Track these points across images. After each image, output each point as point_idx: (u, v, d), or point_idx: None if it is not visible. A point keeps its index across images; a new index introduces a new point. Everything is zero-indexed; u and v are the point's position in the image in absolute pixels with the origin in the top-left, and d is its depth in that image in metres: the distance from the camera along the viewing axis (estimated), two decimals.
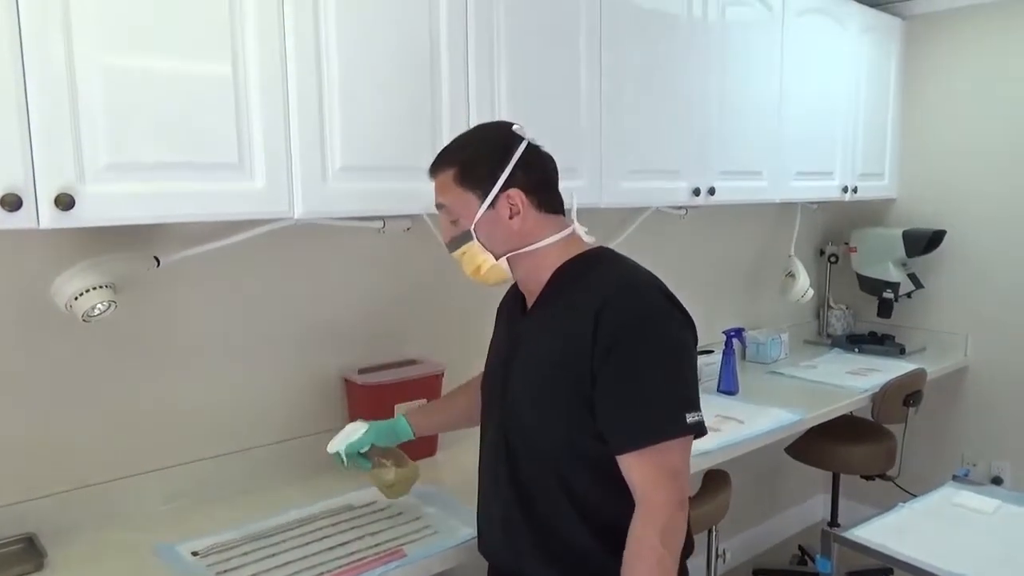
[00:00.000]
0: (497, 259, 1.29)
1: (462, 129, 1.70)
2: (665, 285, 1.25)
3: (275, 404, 1.87)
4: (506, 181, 1.25)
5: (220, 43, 1.36)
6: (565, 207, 1.34)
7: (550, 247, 1.29)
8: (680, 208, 2.63)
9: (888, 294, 3.17)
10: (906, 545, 1.66)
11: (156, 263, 1.59)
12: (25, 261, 1.49)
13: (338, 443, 1.57)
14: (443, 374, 2.01)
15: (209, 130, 1.37)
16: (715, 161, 2.37)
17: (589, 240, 1.33)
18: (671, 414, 1.16)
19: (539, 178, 1.29)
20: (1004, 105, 2.98)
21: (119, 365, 1.63)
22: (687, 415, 1.16)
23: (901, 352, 3.13)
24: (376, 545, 1.50)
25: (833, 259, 3.44)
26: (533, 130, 1.32)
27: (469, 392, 1.61)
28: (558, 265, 1.29)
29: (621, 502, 1.19)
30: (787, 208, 3.13)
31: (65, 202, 1.21)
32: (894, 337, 3.25)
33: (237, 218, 1.49)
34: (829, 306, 3.48)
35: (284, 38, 1.43)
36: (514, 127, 1.30)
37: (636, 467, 1.17)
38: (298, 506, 1.68)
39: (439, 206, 1.32)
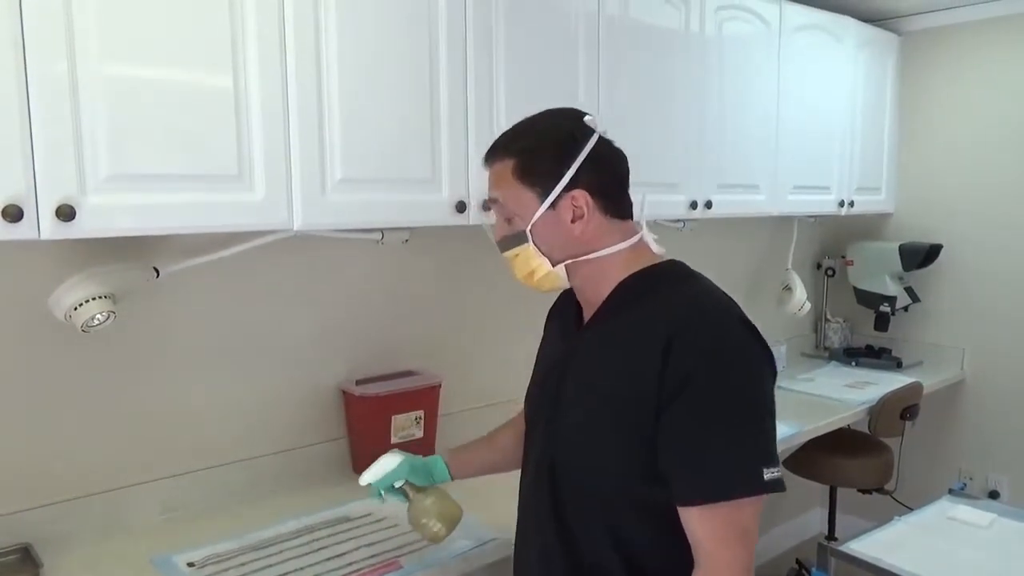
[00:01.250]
0: (554, 266, 1.14)
1: (461, 141, 1.73)
2: (743, 312, 1.09)
3: (273, 415, 1.87)
4: (571, 180, 1.10)
5: (221, 55, 1.38)
6: (634, 212, 1.19)
7: (614, 256, 1.14)
8: (678, 221, 2.64)
9: (885, 308, 3.18)
10: (902, 559, 1.66)
11: (156, 274, 1.59)
12: (25, 271, 1.50)
13: (370, 475, 1.43)
14: (440, 385, 2.01)
15: (209, 142, 1.38)
16: (713, 175, 2.38)
17: (659, 251, 1.18)
18: (749, 469, 1.00)
19: (609, 178, 1.14)
20: (1000, 120, 3.00)
21: (117, 375, 1.64)
22: (765, 470, 1.00)
23: (898, 366, 3.14)
24: (373, 556, 1.50)
25: (830, 272, 3.45)
26: None
27: (516, 429, 1.42)
28: (623, 277, 1.14)
29: (675, 554, 1.05)
30: (784, 222, 3.14)
31: (66, 213, 1.22)
32: (891, 351, 3.26)
33: (236, 230, 1.50)
34: (826, 319, 3.49)
35: (285, 50, 1.45)
36: (586, 118, 1.14)
37: (702, 522, 1.02)
38: (295, 516, 1.68)
39: (492, 201, 1.17)
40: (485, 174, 1.74)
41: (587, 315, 1.18)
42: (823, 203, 2.90)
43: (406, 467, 1.43)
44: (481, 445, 1.52)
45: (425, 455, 1.94)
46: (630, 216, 1.18)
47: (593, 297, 1.17)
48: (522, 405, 1.34)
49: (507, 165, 1.13)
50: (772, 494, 1.01)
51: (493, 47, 1.78)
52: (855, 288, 3.28)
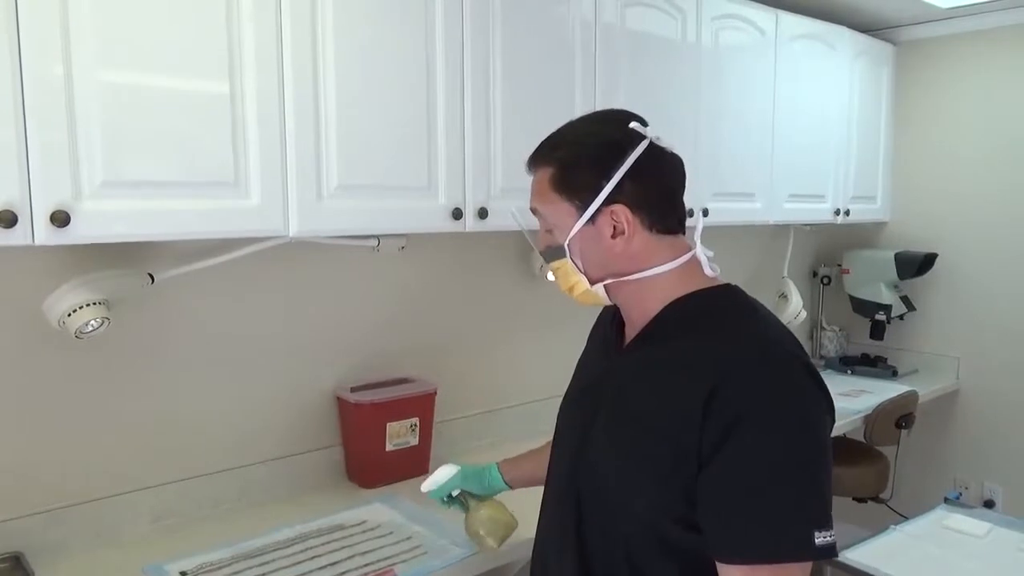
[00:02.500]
0: (592, 284, 1.06)
1: (457, 148, 1.73)
2: (805, 352, 0.99)
3: (267, 422, 1.86)
4: (612, 192, 1.01)
5: (218, 62, 1.38)
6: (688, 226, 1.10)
7: (662, 275, 1.04)
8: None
9: (880, 316, 3.19)
10: (898, 568, 1.66)
11: (151, 280, 1.59)
12: (19, 277, 1.49)
13: (428, 484, 1.49)
14: (435, 393, 2.01)
15: (205, 148, 1.38)
16: (709, 183, 2.39)
17: (712, 272, 1.08)
18: (799, 533, 0.89)
19: (655, 191, 1.04)
20: (995, 130, 3.02)
21: (111, 382, 1.63)
22: (817, 534, 0.89)
23: (893, 374, 3.14)
24: (366, 565, 1.49)
25: (826, 281, 3.46)
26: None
27: None
28: (671, 299, 1.04)
29: None
30: (780, 230, 3.15)
31: (61, 219, 1.22)
32: (886, 359, 3.27)
33: (232, 236, 1.50)
34: (822, 327, 3.49)
35: (282, 57, 1.45)
36: (632, 124, 1.05)
37: None
38: (289, 525, 1.67)
39: (533, 210, 1.10)
40: (482, 181, 1.78)
41: (629, 335, 1.10)
42: (819, 212, 2.91)
43: (459, 478, 1.47)
44: (534, 455, 1.47)
45: (419, 462, 1.96)
46: (682, 230, 1.08)
47: (637, 317, 1.08)
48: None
49: (546, 174, 1.06)
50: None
51: (490, 54, 1.78)
52: (851, 296, 3.29)
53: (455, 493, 1.48)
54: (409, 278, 2.09)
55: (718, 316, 1.03)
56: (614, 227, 1.02)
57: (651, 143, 1.04)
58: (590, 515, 1.05)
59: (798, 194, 2.77)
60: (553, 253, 1.08)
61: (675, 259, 1.05)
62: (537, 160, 1.08)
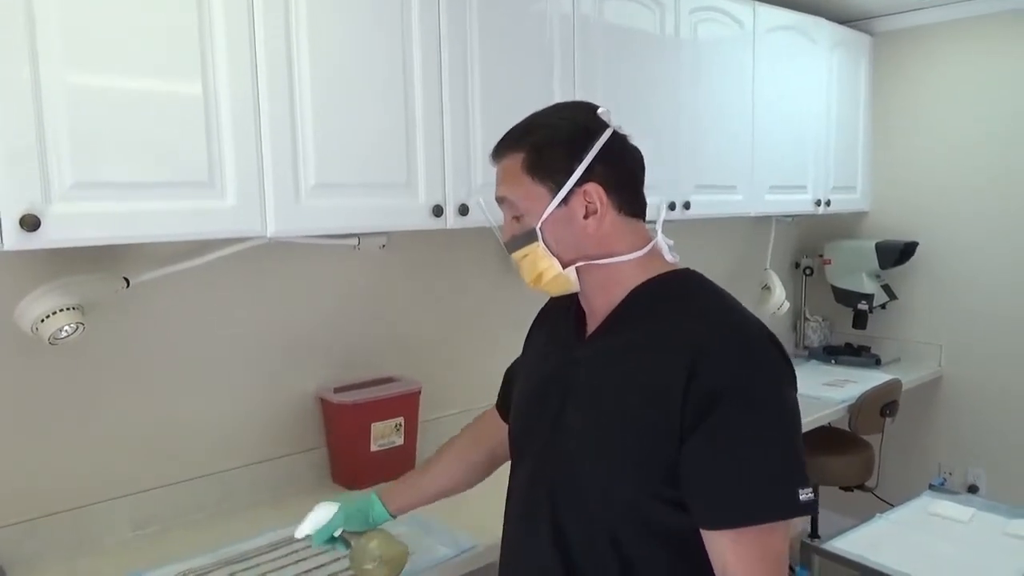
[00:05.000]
0: (564, 267, 1.06)
1: (437, 144, 1.71)
2: (768, 329, 1.03)
3: (249, 425, 1.84)
4: (584, 174, 1.03)
5: (190, 61, 1.35)
6: (650, 218, 1.12)
7: (628, 262, 1.06)
8: (652, 222, 2.64)
9: (863, 305, 3.20)
10: (884, 556, 1.67)
11: (126, 284, 1.56)
12: None
13: (307, 527, 1.35)
14: (420, 392, 1.99)
15: (179, 148, 1.36)
16: (690, 176, 2.39)
17: (673, 259, 1.10)
18: (785, 491, 0.94)
19: (623, 175, 1.07)
20: (972, 118, 3.04)
21: (87, 388, 1.60)
22: (800, 491, 0.95)
23: (877, 363, 3.16)
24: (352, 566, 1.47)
25: (808, 271, 3.47)
26: None
27: (458, 453, 1.40)
28: (636, 284, 1.07)
29: None
30: (762, 222, 3.16)
31: (30, 223, 1.19)
32: (870, 348, 3.29)
33: (208, 237, 1.47)
34: (805, 318, 3.51)
35: (255, 55, 1.43)
36: (599, 111, 1.08)
37: (734, 549, 0.95)
38: (273, 529, 1.65)
39: (500, 199, 1.10)
40: (463, 177, 1.76)
41: (592, 324, 1.11)
42: (800, 202, 2.92)
43: (342, 516, 1.35)
44: (417, 476, 1.44)
45: (405, 462, 1.95)
46: (644, 217, 1.11)
47: (601, 304, 1.09)
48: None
49: (516, 160, 1.06)
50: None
51: (468, 49, 1.76)
52: (833, 286, 3.30)
53: (337, 533, 1.35)
54: (391, 277, 2.08)
55: (686, 298, 1.06)
56: (587, 207, 1.04)
57: (615, 131, 1.08)
58: (567, 507, 1.05)
59: (779, 185, 2.78)
60: (521, 241, 1.08)
61: (642, 246, 1.07)
62: (506, 147, 1.09)
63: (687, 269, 1.11)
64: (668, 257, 1.10)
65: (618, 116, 1.10)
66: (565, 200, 1.04)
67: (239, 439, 1.82)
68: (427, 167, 1.71)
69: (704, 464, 0.96)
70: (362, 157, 1.61)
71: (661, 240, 1.10)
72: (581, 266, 1.07)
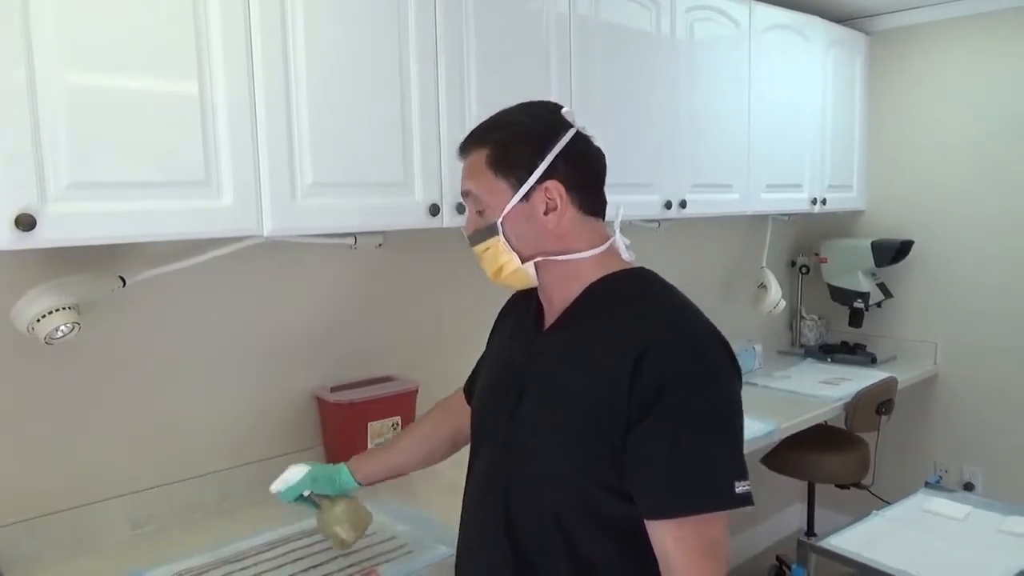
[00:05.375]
0: (523, 262, 1.10)
1: (433, 143, 1.72)
2: (715, 326, 1.07)
3: (246, 424, 1.84)
4: (546, 171, 1.06)
5: (186, 60, 1.35)
6: (609, 218, 1.17)
7: (586, 259, 1.10)
8: (653, 221, 2.65)
9: (859, 304, 3.21)
10: (880, 553, 1.68)
11: (122, 283, 1.56)
12: None
13: (277, 484, 1.43)
14: (417, 391, 1.99)
15: (175, 148, 1.35)
16: (686, 174, 2.39)
17: (629, 257, 1.14)
18: (721, 483, 0.98)
19: (585, 174, 1.11)
20: (967, 117, 3.05)
21: (83, 388, 1.60)
22: (737, 484, 0.99)
23: (872, 361, 3.17)
24: (350, 566, 1.48)
25: (804, 270, 3.48)
26: None
27: (421, 433, 1.48)
28: (592, 280, 1.10)
29: (637, 572, 1.03)
30: (758, 220, 3.16)
31: (26, 223, 1.19)
32: (865, 346, 3.30)
33: (204, 236, 1.47)
34: (801, 316, 3.51)
35: (251, 54, 1.42)
36: (564, 110, 1.11)
37: (672, 539, 0.98)
38: (271, 528, 1.65)
39: (465, 193, 1.13)
40: (459, 176, 1.76)
41: (549, 318, 1.15)
42: (796, 201, 2.93)
43: (309, 478, 1.42)
44: (383, 451, 1.53)
45: None
46: (604, 216, 1.15)
47: (559, 299, 1.13)
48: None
49: (481, 155, 1.10)
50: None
51: (464, 48, 1.76)
52: (829, 285, 3.31)
53: (306, 493, 1.43)
54: (387, 276, 2.08)
55: (638, 295, 1.10)
56: (547, 203, 1.07)
57: (579, 131, 1.11)
58: (519, 498, 1.09)
59: (775, 184, 2.78)
60: (483, 235, 1.11)
61: (600, 244, 1.11)
62: (471, 143, 1.12)
63: (642, 268, 1.14)
64: (625, 256, 1.14)
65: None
66: (527, 196, 1.07)
67: (236, 438, 1.82)
68: (423, 166, 1.71)
69: (646, 455, 0.99)
70: (358, 156, 1.61)
71: (619, 239, 1.14)
72: (539, 261, 1.10)
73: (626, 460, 1.00)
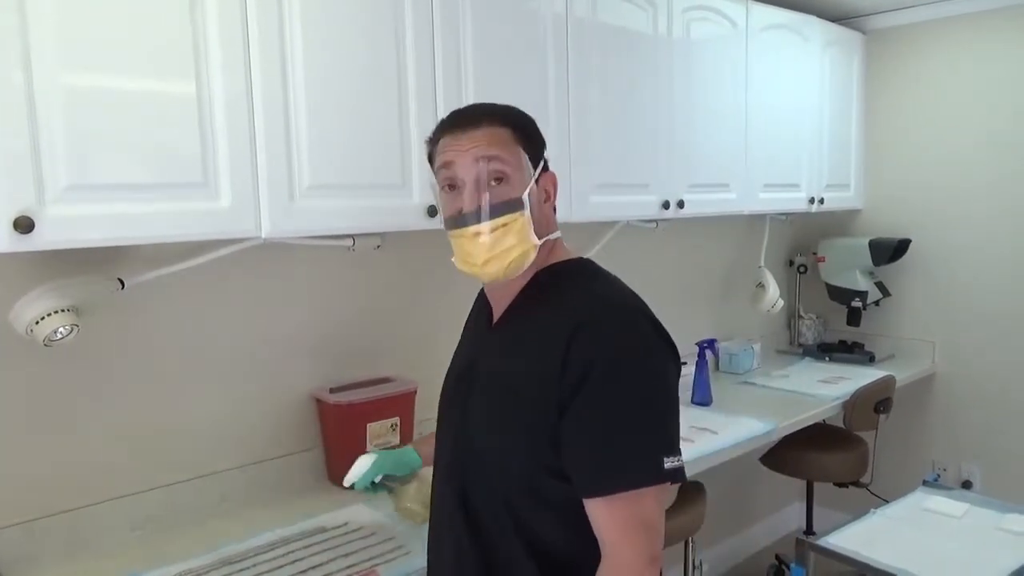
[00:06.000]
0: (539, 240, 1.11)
1: None
2: (649, 309, 1.10)
3: (245, 425, 1.84)
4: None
5: (183, 62, 1.35)
6: None
7: (542, 247, 1.13)
8: (651, 221, 2.65)
9: (857, 303, 3.22)
10: (878, 551, 1.68)
11: (120, 285, 1.56)
12: None
13: (350, 476, 1.49)
14: (416, 391, 1.99)
15: (173, 149, 1.36)
16: (684, 174, 2.39)
17: (569, 248, 1.20)
18: (647, 459, 1.00)
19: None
20: (964, 116, 3.06)
21: (83, 390, 1.60)
22: (665, 459, 1.00)
23: (871, 360, 3.17)
24: (350, 567, 1.48)
25: (802, 269, 3.48)
26: None
27: None
28: (535, 272, 1.14)
29: (586, 550, 1.04)
30: (756, 220, 3.16)
31: (24, 225, 1.19)
32: (863, 345, 3.30)
33: (203, 238, 1.47)
34: (799, 316, 3.52)
35: (249, 56, 1.43)
36: None
37: (604, 515, 1.02)
38: (270, 529, 1.65)
39: (491, 156, 1.06)
40: None
41: (497, 312, 1.18)
42: (793, 200, 2.93)
43: (379, 463, 1.47)
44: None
45: None
46: None
47: (506, 290, 1.16)
48: (428, 408, 1.35)
49: (505, 130, 1.09)
50: (675, 483, 1.02)
51: (461, 50, 1.77)
52: (827, 284, 3.32)
53: (377, 479, 1.48)
54: (386, 277, 2.08)
55: (573, 283, 1.13)
56: (546, 192, 1.14)
57: None
58: (473, 481, 1.13)
59: (773, 183, 2.79)
60: (504, 208, 1.08)
61: (558, 231, 1.17)
62: (489, 117, 1.10)
63: (581, 258, 1.19)
64: (566, 248, 1.19)
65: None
66: (536, 180, 1.11)
67: (235, 440, 1.82)
68: (421, 168, 1.70)
69: (574, 436, 1.02)
70: (356, 158, 1.61)
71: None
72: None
73: (561, 443, 1.03)
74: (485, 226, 1.07)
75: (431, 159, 1.15)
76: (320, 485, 1.93)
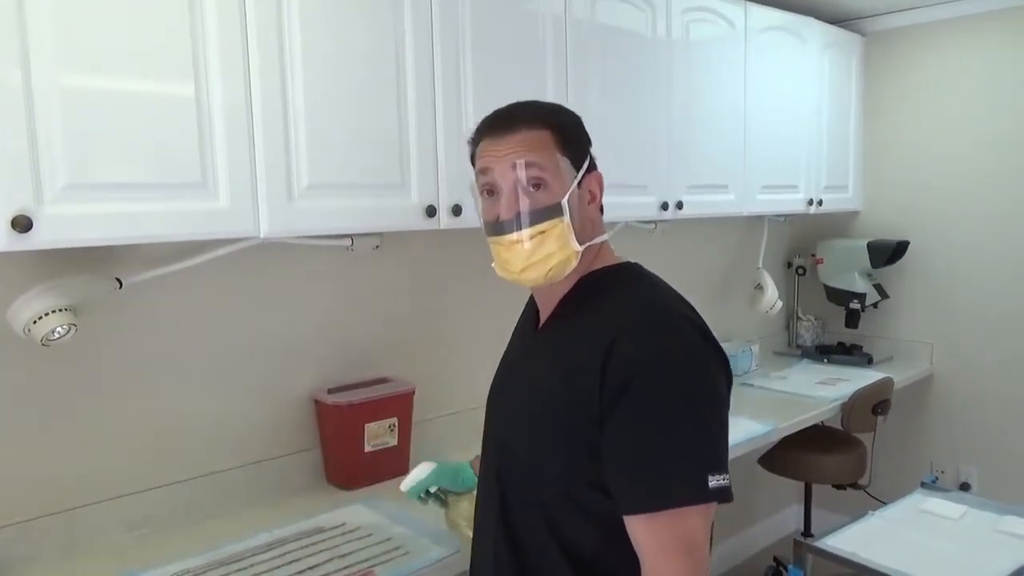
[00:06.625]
0: (580, 246, 1.08)
1: (430, 145, 1.72)
2: (698, 313, 1.06)
3: (243, 426, 1.84)
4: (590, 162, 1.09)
5: (182, 61, 1.35)
6: None
7: (586, 252, 1.09)
8: (649, 222, 2.65)
9: (855, 304, 3.22)
10: (876, 553, 1.68)
11: (118, 285, 1.56)
12: None
13: (406, 483, 1.46)
14: (414, 392, 1.99)
15: (171, 149, 1.35)
16: (683, 176, 2.39)
17: (616, 252, 1.17)
18: (691, 476, 0.95)
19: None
20: (963, 118, 3.06)
21: (80, 390, 1.60)
22: (710, 478, 0.94)
23: (869, 362, 3.17)
24: (347, 567, 1.48)
25: (801, 271, 3.48)
26: None
27: None
28: (582, 275, 1.11)
29: (624, 562, 0.99)
30: (755, 221, 3.17)
31: (22, 224, 1.19)
32: (862, 347, 3.30)
33: (201, 238, 1.47)
34: (798, 317, 3.52)
35: (248, 56, 1.43)
36: None
37: (645, 533, 0.96)
38: (267, 529, 1.65)
39: (530, 163, 1.03)
40: (456, 178, 1.76)
41: (543, 316, 1.16)
42: (792, 202, 2.93)
43: (434, 476, 1.44)
44: None
45: (398, 463, 1.95)
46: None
47: (552, 294, 1.13)
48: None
49: (543, 133, 1.05)
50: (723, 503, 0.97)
51: (460, 50, 1.77)
52: (825, 286, 3.32)
53: (432, 490, 1.47)
54: (384, 277, 2.08)
55: (614, 289, 1.09)
56: (591, 193, 1.10)
57: None
58: (511, 490, 1.11)
59: (771, 185, 2.79)
60: (543, 214, 1.04)
61: (604, 235, 1.14)
62: (526, 119, 1.06)
63: (629, 262, 1.15)
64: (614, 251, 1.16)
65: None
66: (579, 183, 1.07)
67: (232, 440, 1.82)
68: (420, 167, 1.71)
69: (615, 450, 0.98)
70: (355, 158, 1.61)
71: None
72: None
73: (602, 456, 0.99)
74: (523, 234, 1.05)
75: (473, 160, 1.12)
76: (318, 485, 1.92)
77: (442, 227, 1.76)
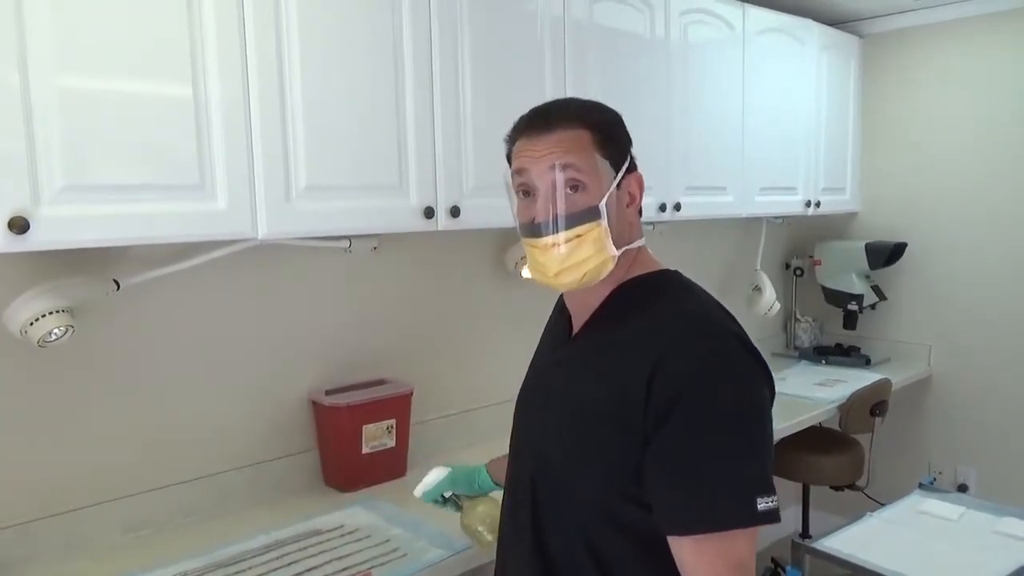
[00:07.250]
0: (618, 250, 1.04)
1: (428, 147, 1.72)
2: (739, 325, 1.03)
3: (240, 428, 1.83)
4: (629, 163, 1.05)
5: (180, 62, 1.35)
6: None
7: (622, 258, 1.05)
8: (647, 224, 2.65)
9: (853, 306, 3.22)
10: (874, 554, 1.68)
11: (116, 286, 1.55)
12: None
13: (421, 488, 1.46)
14: (411, 394, 1.99)
15: (169, 151, 1.35)
16: (681, 177, 2.39)
17: (655, 257, 1.12)
18: (741, 499, 0.92)
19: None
20: (960, 120, 3.06)
21: (77, 392, 1.59)
22: (759, 500, 0.92)
23: (867, 363, 3.17)
24: (344, 569, 1.47)
25: (798, 272, 3.49)
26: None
27: None
28: (620, 282, 1.07)
29: None
30: (752, 223, 3.17)
31: (19, 225, 1.19)
32: (860, 348, 3.30)
33: (199, 239, 1.47)
34: (796, 319, 3.52)
35: (246, 57, 1.43)
36: None
37: (693, 555, 0.93)
38: (265, 531, 1.64)
39: (566, 165, 1.00)
40: (454, 179, 1.76)
41: (577, 323, 1.11)
42: (790, 204, 2.94)
43: (449, 480, 1.44)
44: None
45: (397, 464, 1.95)
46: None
47: (586, 301, 1.09)
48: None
49: (582, 133, 1.02)
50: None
51: (459, 52, 1.77)
52: (823, 287, 3.32)
53: (447, 494, 1.46)
54: (382, 278, 2.08)
55: (656, 299, 1.05)
56: (630, 195, 1.06)
57: None
58: (545, 501, 1.07)
59: (769, 187, 2.79)
60: (580, 217, 1.01)
61: (642, 237, 1.09)
62: (564, 119, 1.03)
63: (668, 270, 1.11)
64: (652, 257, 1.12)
65: None
66: (618, 184, 1.04)
67: (231, 442, 1.81)
68: (418, 169, 1.71)
69: (662, 469, 0.95)
70: (353, 159, 1.61)
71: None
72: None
73: (645, 474, 0.96)
74: (559, 237, 1.01)
75: (509, 159, 1.09)
76: (316, 487, 1.92)
77: (440, 228, 1.76)
